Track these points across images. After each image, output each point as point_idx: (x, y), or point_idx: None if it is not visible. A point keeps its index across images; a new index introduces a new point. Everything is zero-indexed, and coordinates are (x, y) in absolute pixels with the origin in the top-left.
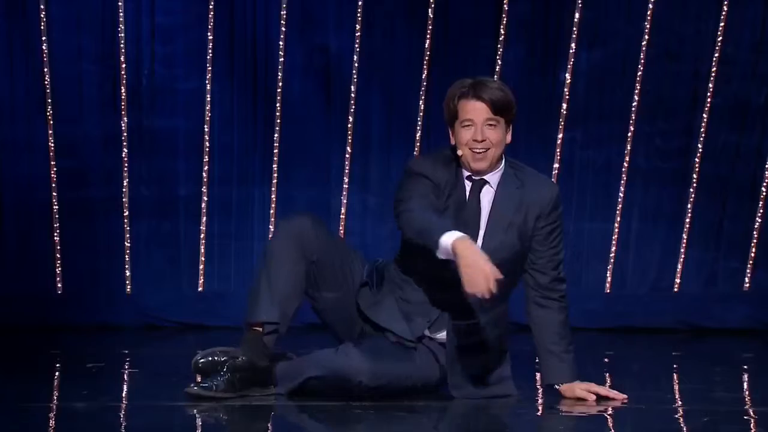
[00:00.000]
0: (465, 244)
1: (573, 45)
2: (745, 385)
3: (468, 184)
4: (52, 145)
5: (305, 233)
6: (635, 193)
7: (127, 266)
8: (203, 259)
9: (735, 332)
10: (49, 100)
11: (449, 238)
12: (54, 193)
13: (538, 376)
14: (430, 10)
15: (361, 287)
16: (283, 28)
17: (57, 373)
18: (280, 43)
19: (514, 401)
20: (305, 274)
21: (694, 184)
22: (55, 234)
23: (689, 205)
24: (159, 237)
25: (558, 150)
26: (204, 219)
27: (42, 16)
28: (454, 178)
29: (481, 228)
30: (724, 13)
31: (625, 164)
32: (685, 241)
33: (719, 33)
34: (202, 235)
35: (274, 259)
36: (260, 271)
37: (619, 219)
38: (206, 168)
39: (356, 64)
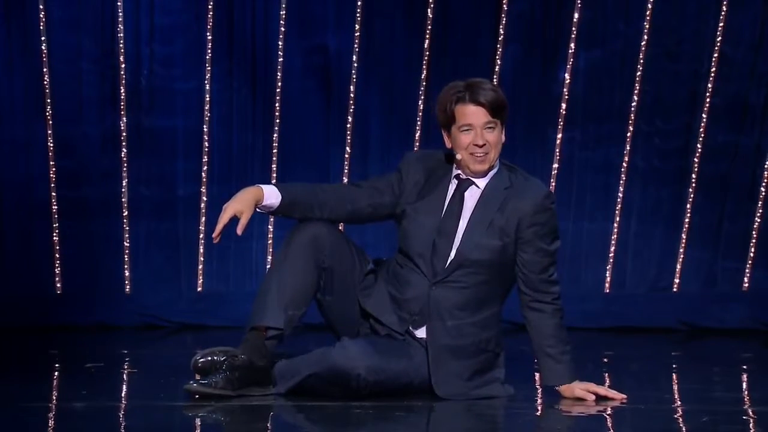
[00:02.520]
0: (248, 189)
1: (572, 45)
2: (744, 385)
3: (454, 183)
4: (51, 144)
5: (321, 239)
6: (634, 192)
7: (126, 266)
8: (202, 259)
9: (734, 332)
10: (48, 100)
11: (262, 187)
12: (53, 193)
13: (537, 376)
14: (429, 9)
15: (367, 275)
16: (283, 28)
17: (56, 373)
18: (280, 43)
19: (512, 401)
20: (317, 282)
21: (693, 184)
22: (55, 234)
23: (688, 205)
24: (158, 237)
25: (557, 150)
26: (203, 219)
27: (41, 15)
28: (439, 177)
29: (461, 226)
30: (723, 12)
31: (624, 164)
32: (684, 240)
33: (718, 33)
34: (201, 235)
35: (287, 264)
36: (272, 273)
37: (618, 219)
38: (205, 168)
39: (355, 64)
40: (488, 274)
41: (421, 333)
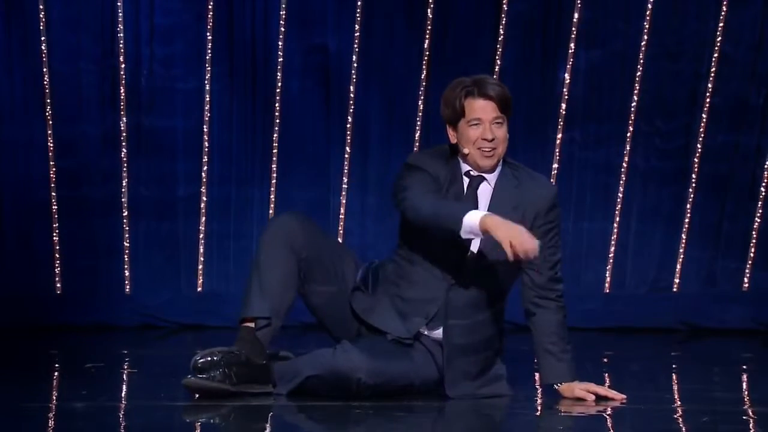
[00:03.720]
0: (496, 218)
1: (572, 45)
2: (744, 385)
3: (466, 180)
4: (51, 144)
5: (293, 231)
6: (634, 192)
7: (126, 266)
8: (202, 259)
9: (734, 332)
10: (48, 100)
11: (476, 215)
12: (53, 193)
13: (537, 376)
14: (429, 10)
15: (354, 291)
16: (282, 28)
17: (56, 373)
18: (279, 42)
19: (511, 401)
20: (296, 270)
21: (693, 184)
22: (55, 234)
23: (688, 205)
24: (158, 237)
25: (557, 150)
26: (203, 219)
27: (41, 15)
28: (452, 173)
29: None
30: (723, 13)
31: (624, 164)
32: (684, 241)
33: (718, 33)
34: (201, 235)
35: (263, 257)
36: (251, 270)
37: (618, 219)
38: (205, 168)
39: (355, 64)
40: (502, 272)
41: (435, 334)
